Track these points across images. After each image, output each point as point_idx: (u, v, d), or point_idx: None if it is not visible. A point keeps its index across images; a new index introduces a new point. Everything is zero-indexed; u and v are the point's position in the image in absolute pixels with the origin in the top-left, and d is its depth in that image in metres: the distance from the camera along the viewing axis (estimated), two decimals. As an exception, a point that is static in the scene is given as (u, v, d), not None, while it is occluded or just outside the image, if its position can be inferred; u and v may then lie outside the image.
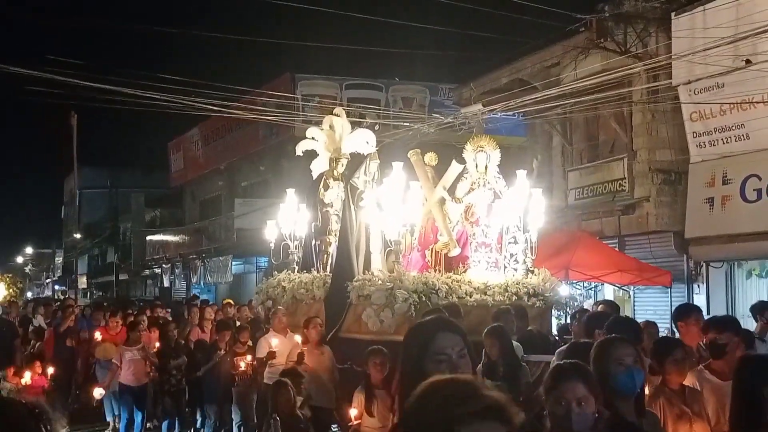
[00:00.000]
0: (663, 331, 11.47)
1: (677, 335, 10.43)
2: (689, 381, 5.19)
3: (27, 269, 59.73)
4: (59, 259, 59.26)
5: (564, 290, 11.12)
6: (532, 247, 10.06)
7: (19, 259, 60.28)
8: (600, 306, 9.58)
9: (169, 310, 16.75)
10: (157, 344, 11.68)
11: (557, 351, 5.64)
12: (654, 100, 15.36)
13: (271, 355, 9.32)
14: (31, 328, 15.16)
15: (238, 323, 12.52)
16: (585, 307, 9.62)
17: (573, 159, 18.33)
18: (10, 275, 44.43)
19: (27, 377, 9.63)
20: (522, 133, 20.60)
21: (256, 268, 30.05)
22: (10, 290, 35.23)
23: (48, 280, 59.37)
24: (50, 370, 10.68)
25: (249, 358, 10.03)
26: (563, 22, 15.46)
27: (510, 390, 6.48)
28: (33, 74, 12.16)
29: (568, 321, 9.96)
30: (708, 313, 11.49)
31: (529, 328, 8.95)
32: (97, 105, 14.29)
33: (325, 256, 10.97)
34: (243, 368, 10.07)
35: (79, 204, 54.62)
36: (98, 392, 11.23)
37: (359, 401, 6.89)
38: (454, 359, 2.72)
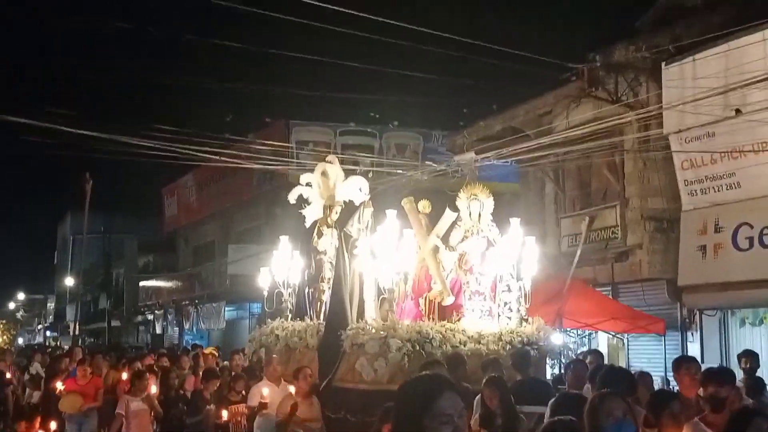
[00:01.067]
0: (657, 380, 11.46)
1: (672, 384, 10.45)
2: (685, 432, 5.17)
3: (19, 315, 59.32)
4: (51, 305, 58.90)
5: (558, 338, 11.10)
6: (525, 296, 10.05)
7: (11, 305, 59.91)
8: (589, 357, 9.56)
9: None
10: (154, 389, 11.40)
11: (549, 403, 5.62)
12: (645, 149, 15.47)
13: (262, 405, 9.23)
14: (27, 376, 14.90)
15: (233, 372, 12.37)
16: (579, 359, 9.57)
17: (566, 206, 18.40)
18: (4, 321, 44.09)
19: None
20: (515, 180, 20.69)
21: (249, 314, 29.92)
22: (4, 337, 34.91)
23: (40, 327, 58.94)
24: (53, 426, 10.07)
25: (242, 407, 9.91)
26: (555, 71, 15.64)
27: None
28: (26, 122, 12.22)
29: (562, 371, 9.88)
30: (702, 361, 11.44)
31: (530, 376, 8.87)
32: (90, 154, 14.34)
33: (319, 303, 10.93)
34: (225, 418, 9.90)
35: (72, 249, 54.49)
36: None
37: None
38: (456, 421, 2.75)
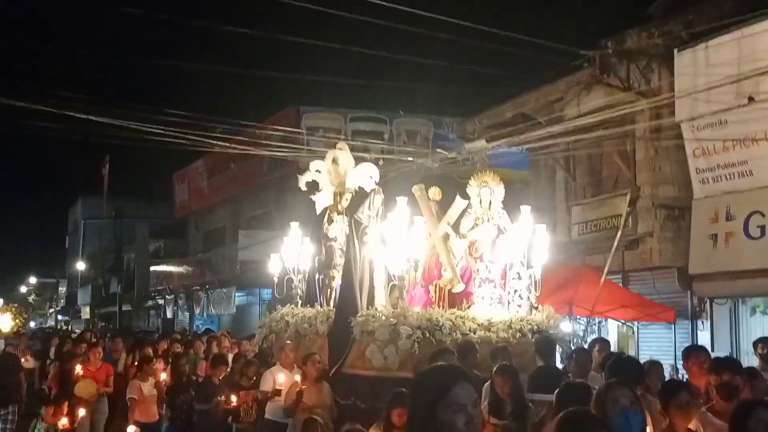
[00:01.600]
0: (667, 368, 11.45)
1: (681, 373, 10.45)
2: (693, 424, 5.17)
3: (30, 299, 59.68)
4: (63, 289, 59.23)
5: (567, 326, 11.10)
6: (536, 283, 10.05)
7: (23, 289, 60.25)
8: (596, 345, 9.55)
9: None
10: (164, 376, 11.47)
11: (555, 392, 5.63)
12: (657, 137, 15.41)
13: (276, 392, 9.28)
14: (48, 360, 14.79)
15: (246, 357, 12.41)
16: (583, 347, 9.56)
17: (576, 194, 18.36)
18: (16, 305, 44.31)
19: (65, 420, 9.24)
20: (526, 167, 20.64)
21: (259, 300, 30.02)
22: (17, 320, 35.08)
23: (51, 311, 59.32)
24: (81, 412, 10.01)
25: (252, 393, 9.94)
26: (567, 58, 15.56)
27: (518, 429, 6.45)
28: (38, 108, 12.25)
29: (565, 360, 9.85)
30: (712, 350, 11.44)
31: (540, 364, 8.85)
32: (102, 140, 14.38)
33: (329, 290, 10.97)
34: (234, 403, 9.95)
35: (83, 234, 54.72)
36: (132, 430, 10.66)
37: None
38: (470, 410, 2.79)
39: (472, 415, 2.78)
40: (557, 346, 9.78)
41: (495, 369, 7.19)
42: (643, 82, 15.66)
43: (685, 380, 7.57)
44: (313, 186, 11.66)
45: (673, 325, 15.23)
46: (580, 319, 14.93)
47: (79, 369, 11.80)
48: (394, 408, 6.64)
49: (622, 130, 14.91)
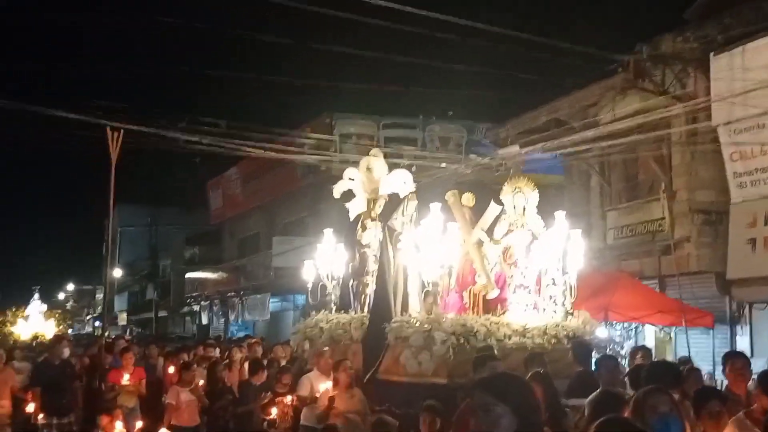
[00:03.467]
0: (705, 375, 11.30)
1: (720, 379, 10.31)
2: (729, 430, 5.10)
3: (68, 306, 60.44)
4: (100, 296, 59.93)
5: (603, 332, 11.00)
6: (571, 289, 9.97)
7: (61, 296, 61.04)
8: (639, 353, 9.44)
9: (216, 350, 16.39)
10: (201, 381, 11.51)
11: (588, 400, 5.58)
12: (693, 141, 15.25)
13: (314, 399, 9.32)
14: None
15: (281, 363, 12.46)
16: (609, 354, 9.42)
17: (612, 199, 18.22)
18: (60, 311, 44.89)
19: (119, 427, 9.30)
20: (560, 172, 20.52)
21: (293, 306, 30.13)
22: (60, 327, 35.51)
23: (89, 317, 60.03)
24: (138, 424, 10.07)
25: (289, 399, 9.98)
26: (601, 63, 15.47)
27: None
28: (75, 117, 12.42)
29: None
30: (752, 355, 11.30)
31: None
32: (138, 147, 14.54)
33: (363, 296, 10.99)
34: (274, 416, 10.02)
35: (120, 241, 55.31)
36: None
37: None
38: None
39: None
40: (593, 353, 9.70)
41: (528, 376, 7.15)
42: (679, 87, 15.52)
43: (723, 387, 7.47)
44: (347, 192, 11.70)
45: (711, 331, 15.03)
46: (616, 325, 14.80)
47: (126, 379, 11.76)
48: (422, 415, 6.66)
49: (658, 135, 14.77)
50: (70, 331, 51.82)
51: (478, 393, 2.95)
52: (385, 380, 9.38)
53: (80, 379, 13.16)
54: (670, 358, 15.27)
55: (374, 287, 10.48)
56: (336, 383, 9.15)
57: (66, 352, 13.13)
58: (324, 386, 9.34)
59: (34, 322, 33.89)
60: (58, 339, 14.13)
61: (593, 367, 8.53)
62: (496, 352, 8.44)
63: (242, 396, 11.01)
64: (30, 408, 11.46)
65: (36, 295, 36.63)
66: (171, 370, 12.68)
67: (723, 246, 15.03)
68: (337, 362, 9.37)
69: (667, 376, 5.88)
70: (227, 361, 13.45)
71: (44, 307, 37.47)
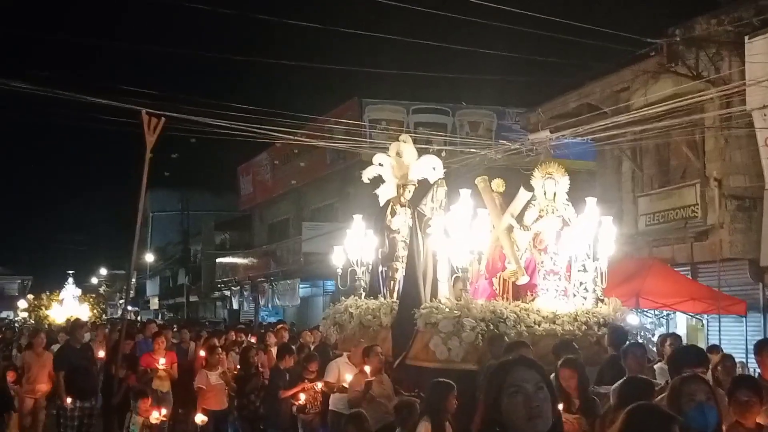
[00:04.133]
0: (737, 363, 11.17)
1: (752, 367, 10.19)
2: (762, 418, 5.04)
3: (101, 290, 61.20)
4: (132, 280, 60.63)
5: (634, 319, 10.91)
6: (602, 276, 9.90)
7: (94, 280, 61.83)
8: (668, 340, 9.35)
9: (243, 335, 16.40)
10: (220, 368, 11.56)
11: (612, 388, 5.52)
12: (727, 126, 15.05)
13: (342, 389, 9.34)
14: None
15: (308, 349, 12.50)
16: (637, 341, 9.33)
17: (643, 184, 18.05)
18: (94, 296, 45.40)
19: (156, 414, 9.34)
20: (591, 158, 20.36)
21: (323, 292, 30.27)
22: (94, 311, 35.87)
23: (121, 301, 60.71)
24: (163, 411, 10.00)
25: (319, 385, 10.03)
26: (633, 47, 15.29)
27: (587, 423, 6.36)
28: (107, 103, 12.53)
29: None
30: (786, 344, 11.12)
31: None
32: (169, 133, 14.63)
33: (392, 282, 10.99)
34: (302, 402, 10.08)
35: (151, 227, 55.84)
36: (200, 418, 10.82)
37: (426, 429, 6.79)
38: (529, 391, 2.76)
39: (532, 397, 2.74)
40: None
41: (561, 362, 7.10)
42: (713, 70, 15.31)
43: (757, 375, 7.38)
44: (377, 178, 11.69)
45: (744, 318, 14.88)
46: (647, 311, 14.69)
47: (162, 363, 11.78)
48: (451, 395, 6.67)
49: (691, 120, 14.59)
50: (104, 315, 52.50)
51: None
52: (414, 366, 9.38)
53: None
54: (701, 345, 15.14)
55: (403, 273, 10.47)
56: (364, 368, 9.16)
57: (86, 336, 13.23)
58: (350, 376, 9.35)
59: (68, 306, 34.31)
60: (77, 323, 14.25)
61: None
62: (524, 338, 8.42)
63: (272, 380, 11.07)
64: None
65: (70, 280, 37.09)
66: (202, 354, 12.77)
67: (757, 232, 14.85)
68: (367, 348, 9.37)
69: (692, 357, 5.83)
70: (262, 345, 13.52)
71: (78, 291, 37.90)
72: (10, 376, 12.04)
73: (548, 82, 20.09)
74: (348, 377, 9.36)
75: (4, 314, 64.55)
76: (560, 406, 6.66)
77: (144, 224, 58.79)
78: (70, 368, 11.59)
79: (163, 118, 10.35)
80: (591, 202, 10.16)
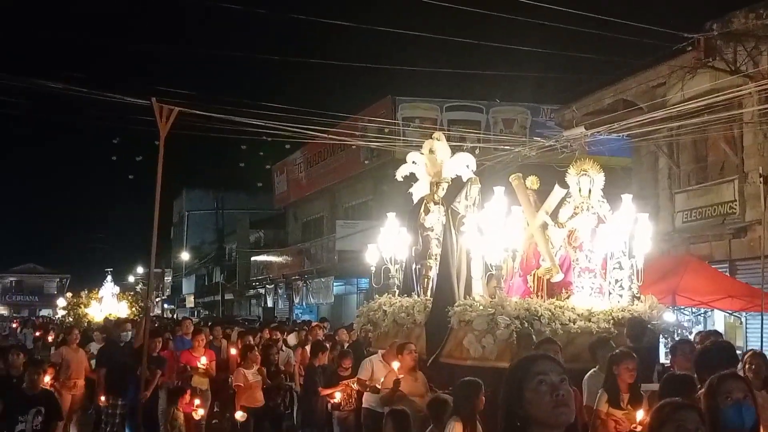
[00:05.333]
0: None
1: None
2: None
3: (138, 288, 61.93)
4: (168, 279, 61.13)
5: (671, 317, 10.80)
6: (638, 273, 9.80)
7: (131, 278, 62.47)
8: (709, 339, 9.21)
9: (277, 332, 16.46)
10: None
11: (660, 384, 5.48)
12: (766, 120, 14.81)
13: (374, 389, 9.35)
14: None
15: (341, 347, 12.53)
16: (687, 338, 9.25)
17: (680, 181, 17.84)
18: (133, 293, 45.81)
19: (201, 411, 9.39)
20: (627, 154, 20.16)
21: (356, 290, 30.30)
22: (133, 309, 36.14)
23: (157, 299, 61.40)
24: (200, 410, 10.28)
25: (351, 383, 10.05)
26: (670, 41, 15.11)
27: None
28: (141, 103, 12.64)
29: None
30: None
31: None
32: (203, 133, 14.76)
33: (426, 280, 10.97)
34: (338, 399, 10.12)
35: (186, 225, 56.35)
36: (240, 415, 10.94)
37: (458, 429, 6.77)
38: (554, 381, 2.74)
39: (557, 387, 2.72)
40: (660, 337, 9.54)
41: (611, 356, 7.02)
42: (751, 65, 15.08)
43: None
44: (410, 176, 11.67)
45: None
46: (684, 309, 14.51)
47: (203, 362, 11.83)
48: (481, 392, 6.66)
49: (729, 115, 14.39)
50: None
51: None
52: (448, 364, 9.36)
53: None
54: (740, 343, 14.94)
55: (437, 271, 10.46)
56: (400, 366, 9.17)
57: (129, 335, 13.34)
58: (383, 371, 9.36)
59: (107, 304, 34.66)
60: (119, 321, 14.41)
61: (661, 354, 8.41)
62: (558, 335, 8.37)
63: (307, 378, 11.13)
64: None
65: (109, 278, 37.43)
66: (233, 351, 12.86)
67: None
68: (401, 345, 9.37)
69: (721, 355, 5.77)
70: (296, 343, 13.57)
71: (117, 289, 38.25)
72: (49, 373, 12.19)
73: (583, 79, 19.96)
74: (380, 375, 9.37)
75: (44, 312, 65.61)
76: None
77: (180, 223, 59.41)
78: (110, 366, 11.73)
79: (176, 109, 10.46)
80: (627, 198, 10.07)
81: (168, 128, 9.83)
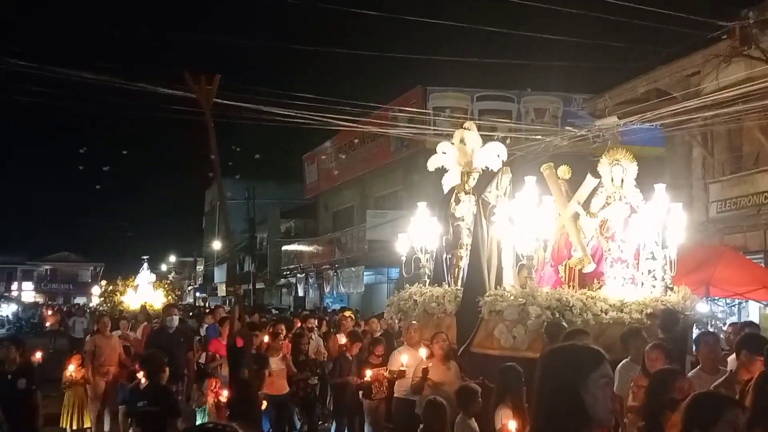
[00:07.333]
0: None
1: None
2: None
3: (170, 277, 62.53)
4: (200, 268, 61.62)
5: (704, 307, 10.70)
6: (671, 264, 9.72)
7: (163, 267, 63.11)
8: (746, 329, 9.13)
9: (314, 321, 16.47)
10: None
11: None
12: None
13: (401, 374, 9.40)
14: (197, 338, 15.09)
15: (374, 335, 12.59)
16: (708, 330, 9.16)
17: (714, 170, 17.65)
18: (169, 282, 46.23)
19: (224, 395, 9.50)
20: (660, 144, 19.97)
21: (387, 279, 30.35)
22: (169, 298, 36.41)
23: (190, 288, 61.87)
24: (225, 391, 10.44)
25: (383, 371, 10.09)
26: (704, 30, 14.91)
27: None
28: (170, 93, 12.71)
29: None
30: None
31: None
32: (234, 122, 14.82)
33: (456, 270, 10.97)
34: (368, 378, 10.16)
35: (218, 214, 56.71)
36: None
37: (507, 416, 6.74)
38: (612, 386, 2.89)
39: (613, 392, 2.88)
40: (694, 328, 9.47)
41: (648, 347, 6.98)
42: (788, 53, 14.86)
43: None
44: (441, 167, 11.65)
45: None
46: (718, 300, 14.37)
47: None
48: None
49: (765, 104, 14.19)
50: (180, 302, 53.56)
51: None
52: (478, 353, 9.36)
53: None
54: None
55: (468, 261, 10.45)
56: (431, 355, 9.20)
57: (176, 320, 13.48)
58: (407, 359, 9.40)
59: (143, 292, 34.97)
60: (169, 307, 14.52)
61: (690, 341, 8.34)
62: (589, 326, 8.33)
63: (337, 366, 11.20)
64: (140, 375, 11.83)
65: (145, 266, 37.73)
66: (266, 339, 12.94)
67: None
68: (434, 335, 9.42)
69: (756, 343, 5.76)
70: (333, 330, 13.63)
71: (153, 277, 38.54)
72: (76, 360, 12.33)
73: (616, 68, 19.76)
74: (405, 359, 9.42)
75: (78, 300, 66.49)
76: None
77: (211, 212, 59.83)
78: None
79: (218, 75, 10.01)
80: (660, 188, 9.98)
81: (213, 95, 9.38)
